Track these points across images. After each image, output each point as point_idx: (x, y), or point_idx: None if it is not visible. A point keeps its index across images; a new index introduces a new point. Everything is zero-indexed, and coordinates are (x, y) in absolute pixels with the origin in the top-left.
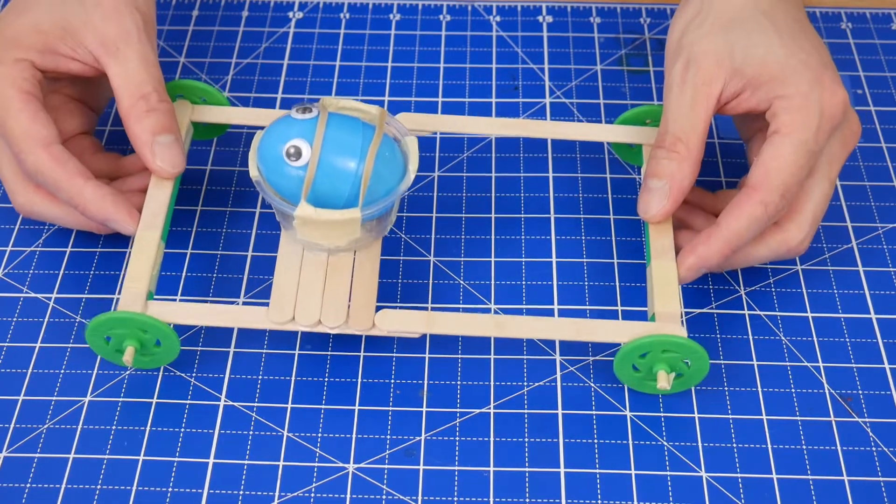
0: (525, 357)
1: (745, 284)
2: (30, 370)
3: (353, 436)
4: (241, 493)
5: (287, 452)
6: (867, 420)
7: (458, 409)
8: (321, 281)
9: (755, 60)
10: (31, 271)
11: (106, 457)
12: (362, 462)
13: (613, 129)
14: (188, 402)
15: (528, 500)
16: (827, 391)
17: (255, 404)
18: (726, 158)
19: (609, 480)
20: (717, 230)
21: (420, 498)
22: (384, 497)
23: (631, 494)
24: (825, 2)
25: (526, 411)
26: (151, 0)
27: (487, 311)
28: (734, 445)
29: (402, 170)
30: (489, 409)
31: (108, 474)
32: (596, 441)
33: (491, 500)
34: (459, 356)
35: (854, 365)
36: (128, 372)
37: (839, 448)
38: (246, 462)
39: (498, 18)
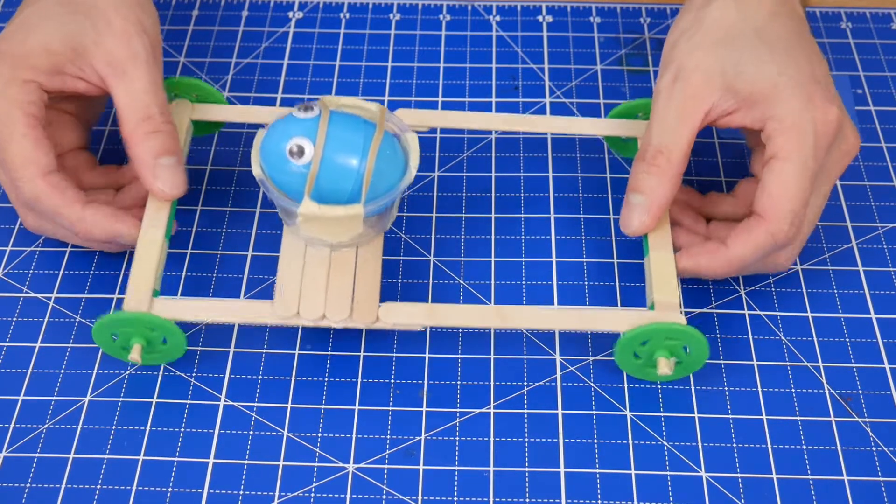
0: (525, 357)
1: (745, 284)
2: (30, 370)
3: (353, 436)
4: (241, 493)
5: (287, 452)
6: (867, 420)
7: (458, 409)
8: (324, 276)
9: (746, 78)
10: (31, 271)
11: (106, 457)
12: (362, 462)
13: (608, 123)
14: (188, 401)
15: (528, 500)
16: (827, 391)
17: (255, 404)
18: (726, 158)
19: (609, 480)
20: (723, 249)
21: (420, 498)
22: (384, 497)
23: (631, 494)
24: (825, 2)
25: (526, 411)
26: (157, 22)
27: None
28: (734, 445)
29: (403, 166)
30: (489, 408)
31: (108, 474)
32: (596, 441)
33: (491, 500)
34: (459, 356)
35: (854, 365)
36: (128, 372)
37: (839, 448)
38: (246, 462)
39: (498, 18)
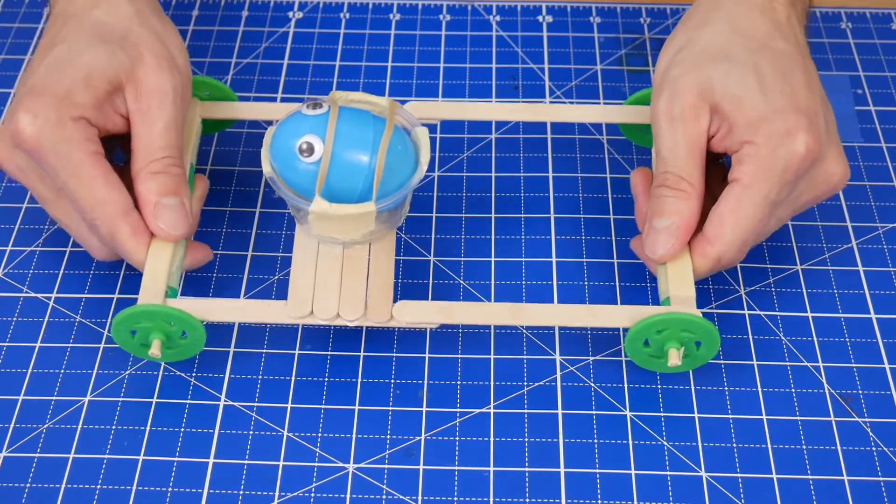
0: (525, 357)
1: (745, 284)
2: (30, 370)
3: (353, 436)
4: (241, 493)
5: (287, 452)
6: (867, 420)
7: (458, 409)
8: (338, 275)
9: (733, 101)
10: (31, 271)
11: (106, 457)
12: (362, 462)
13: (622, 110)
14: (188, 401)
15: (528, 500)
16: (827, 391)
17: (255, 404)
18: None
19: (609, 480)
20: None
21: (420, 498)
22: (384, 497)
23: (631, 494)
24: (825, 2)
25: (526, 411)
26: (188, 59)
27: None
28: (734, 445)
29: (413, 161)
30: (489, 408)
31: (108, 474)
32: (596, 441)
33: (491, 500)
34: (459, 356)
35: (854, 365)
36: (128, 372)
37: (839, 448)
38: (246, 462)
39: (498, 18)
